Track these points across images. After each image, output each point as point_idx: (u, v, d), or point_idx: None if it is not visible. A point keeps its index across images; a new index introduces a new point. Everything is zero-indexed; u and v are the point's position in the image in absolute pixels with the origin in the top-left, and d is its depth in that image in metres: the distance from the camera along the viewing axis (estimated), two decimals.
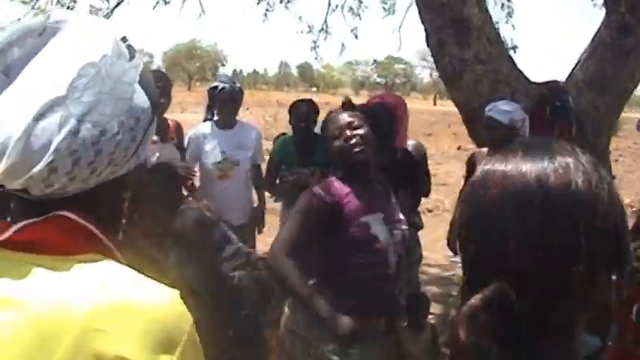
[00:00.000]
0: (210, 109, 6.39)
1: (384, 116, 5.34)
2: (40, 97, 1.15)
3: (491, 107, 5.18)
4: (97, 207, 1.24)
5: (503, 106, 5.17)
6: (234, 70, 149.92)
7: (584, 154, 1.23)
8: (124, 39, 1.29)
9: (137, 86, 1.26)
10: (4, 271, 1.15)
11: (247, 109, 36.83)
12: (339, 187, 3.61)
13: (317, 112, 6.27)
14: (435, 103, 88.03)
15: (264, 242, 6.49)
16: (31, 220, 1.18)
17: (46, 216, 1.18)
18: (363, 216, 3.56)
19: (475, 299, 1.17)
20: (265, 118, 34.24)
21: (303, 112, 6.16)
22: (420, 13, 6.15)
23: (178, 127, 6.15)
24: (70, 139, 1.16)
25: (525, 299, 1.16)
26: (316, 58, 11.76)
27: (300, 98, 6.57)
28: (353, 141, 3.58)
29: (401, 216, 3.76)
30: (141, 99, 1.27)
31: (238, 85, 6.34)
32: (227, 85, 6.20)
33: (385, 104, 5.42)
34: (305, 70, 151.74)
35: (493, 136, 5.09)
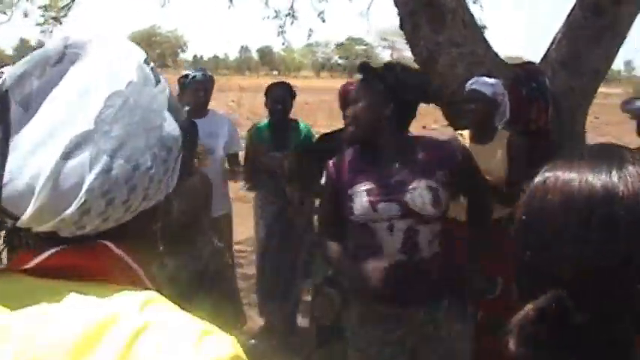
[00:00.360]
0: (180, 98, 6.30)
1: None
2: (67, 132, 1.06)
3: (474, 81, 5.18)
4: (125, 240, 1.14)
5: (486, 79, 5.17)
6: (195, 56, 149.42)
7: None
8: (146, 61, 1.20)
9: (166, 113, 1.18)
10: (32, 299, 1.05)
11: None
12: (344, 158, 3.57)
13: (293, 95, 6.38)
14: None
15: (240, 233, 6.45)
16: (63, 247, 1.09)
17: (79, 243, 1.10)
18: (349, 188, 3.46)
19: (528, 308, 1.13)
20: (228, 104, 34.00)
21: (279, 95, 6.27)
22: None
23: None
24: (103, 178, 1.07)
25: (583, 311, 1.11)
26: (284, 44, 11.73)
27: (277, 81, 6.64)
28: (345, 121, 3.56)
29: (409, 188, 3.36)
30: (171, 126, 1.18)
31: (209, 73, 6.34)
32: (198, 73, 6.19)
33: None
34: (265, 53, 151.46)
35: (476, 109, 5.07)
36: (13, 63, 1.12)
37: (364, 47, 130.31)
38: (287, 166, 6.01)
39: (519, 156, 5.15)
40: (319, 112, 32.01)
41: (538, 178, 1.23)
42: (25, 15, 9.70)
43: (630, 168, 1.14)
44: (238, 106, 33.00)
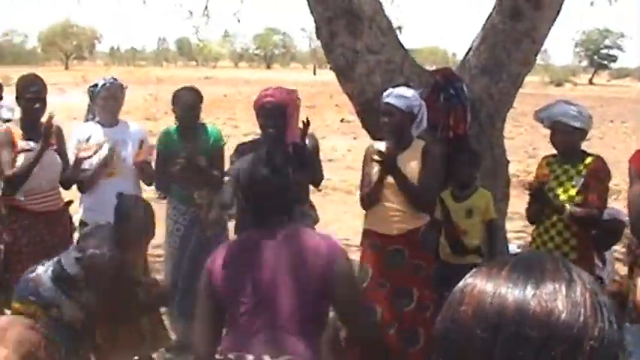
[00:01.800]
0: (91, 108, 6.10)
1: (277, 114, 5.28)
2: None
3: (389, 93, 5.12)
4: None
5: (401, 91, 5.11)
6: (112, 48, 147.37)
7: (583, 279, 1.07)
8: None
9: None
10: None
11: (126, 87, 36.04)
12: None
13: (201, 99, 6.26)
14: (315, 73, 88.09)
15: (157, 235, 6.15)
16: None
17: None
18: None
19: None
20: (145, 98, 33.40)
21: (189, 102, 6.12)
22: (309, 3, 5.92)
23: (59, 133, 5.78)
24: None
25: None
26: (200, 41, 11.63)
27: (183, 86, 6.44)
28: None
29: None
30: None
31: (120, 82, 6.17)
32: (108, 82, 6.02)
33: (277, 102, 5.28)
34: (183, 44, 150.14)
35: (391, 122, 5.01)
36: None
37: (281, 37, 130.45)
38: (191, 172, 5.88)
39: (434, 163, 5.11)
40: (238, 103, 31.75)
41: (459, 285, 1.15)
42: None
43: (548, 285, 1.05)
44: (155, 100, 32.45)
